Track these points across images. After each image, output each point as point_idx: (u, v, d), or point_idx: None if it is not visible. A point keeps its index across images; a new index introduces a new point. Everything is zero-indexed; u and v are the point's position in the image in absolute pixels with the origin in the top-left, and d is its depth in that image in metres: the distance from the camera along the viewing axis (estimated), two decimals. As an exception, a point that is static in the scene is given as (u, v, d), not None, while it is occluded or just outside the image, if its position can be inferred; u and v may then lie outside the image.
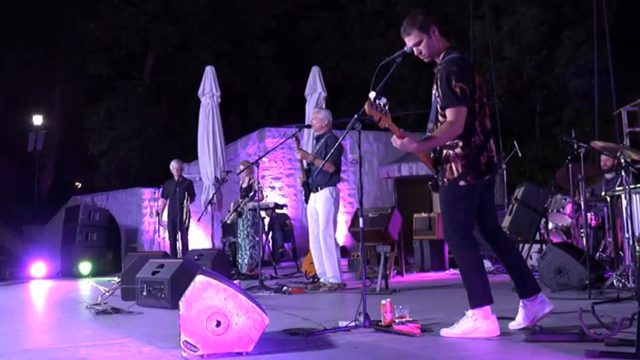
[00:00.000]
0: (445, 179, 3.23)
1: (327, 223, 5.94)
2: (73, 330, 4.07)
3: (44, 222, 15.46)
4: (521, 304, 3.26)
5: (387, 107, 3.13)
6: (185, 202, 8.93)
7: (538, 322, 3.23)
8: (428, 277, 7.54)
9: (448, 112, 3.15)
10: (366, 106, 3.10)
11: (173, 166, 9.17)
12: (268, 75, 21.07)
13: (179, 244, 8.89)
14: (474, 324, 3.15)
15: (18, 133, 19.64)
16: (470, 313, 3.18)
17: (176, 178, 9.11)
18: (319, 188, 6.01)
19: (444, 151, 3.24)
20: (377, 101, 3.11)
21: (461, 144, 3.18)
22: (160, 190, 9.60)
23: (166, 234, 9.39)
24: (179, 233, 8.88)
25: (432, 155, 3.32)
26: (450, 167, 3.21)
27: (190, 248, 8.83)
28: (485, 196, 3.34)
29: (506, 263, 3.36)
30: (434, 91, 3.29)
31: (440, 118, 3.24)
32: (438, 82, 3.20)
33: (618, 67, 10.13)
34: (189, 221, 8.98)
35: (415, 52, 3.34)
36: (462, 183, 3.19)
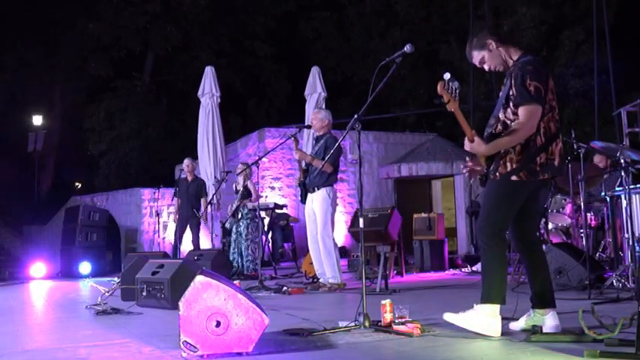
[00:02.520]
0: (497, 173, 3.21)
1: (325, 223, 5.94)
2: (73, 330, 4.07)
3: (44, 222, 15.47)
4: (530, 312, 3.26)
5: (457, 92, 3.12)
6: (199, 201, 8.91)
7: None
8: (428, 278, 7.54)
9: (521, 111, 3.13)
10: (438, 86, 3.10)
11: (186, 164, 9.08)
12: (268, 75, 21.08)
13: (180, 245, 8.87)
14: (478, 318, 3.15)
15: (18, 134, 19.64)
16: (478, 307, 3.18)
17: (189, 177, 9.03)
18: (316, 189, 6.02)
19: None
20: (450, 83, 3.11)
21: (521, 141, 3.17)
22: (173, 190, 9.52)
23: (166, 234, 9.37)
24: (190, 231, 8.83)
25: None
26: (505, 162, 3.19)
27: (189, 248, 8.83)
28: (533, 202, 3.32)
29: (531, 272, 3.32)
30: (504, 90, 3.27)
31: (511, 116, 3.21)
32: (513, 81, 3.19)
33: (618, 67, 10.13)
34: (200, 219, 8.96)
35: (486, 69, 3.41)
36: (513, 178, 3.17)
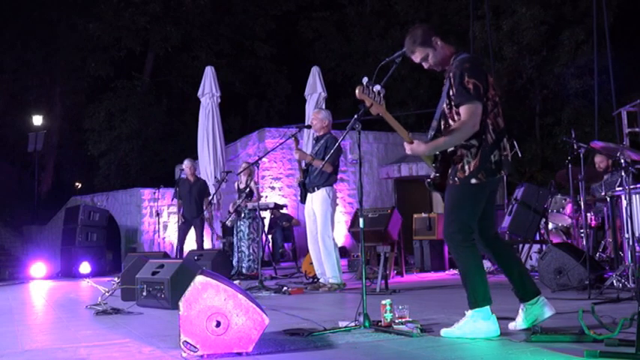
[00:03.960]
0: (456, 178, 3.20)
1: (324, 223, 5.94)
2: (73, 330, 4.07)
3: (44, 222, 15.47)
4: (521, 306, 3.25)
5: (381, 95, 3.11)
6: (202, 201, 8.89)
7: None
8: (428, 278, 7.54)
9: (462, 110, 3.11)
10: (356, 91, 3.09)
11: (188, 166, 8.94)
12: (268, 75, 21.09)
13: (183, 245, 8.86)
14: (474, 324, 3.15)
15: (18, 134, 19.66)
16: (469, 313, 3.18)
17: (191, 178, 8.93)
18: (316, 189, 6.02)
19: (458, 150, 3.20)
20: (370, 87, 3.09)
21: (473, 142, 3.15)
22: (173, 191, 9.42)
23: (166, 234, 9.35)
24: (194, 230, 8.81)
25: (437, 153, 3.26)
26: (462, 166, 3.18)
27: (190, 248, 8.82)
28: (490, 200, 3.32)
29: (505, 268, 3.32)
30: (444, 90, 3.25)
31: (455, 116, 3.19)
32: (452, 81, 3.17)
33: (618, 67, 10.14)
34: (204, 218, 8.94)
35: (425, 67, 3.34)
36: (473, 181, 3.15)
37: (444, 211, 3.35)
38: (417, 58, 3.31)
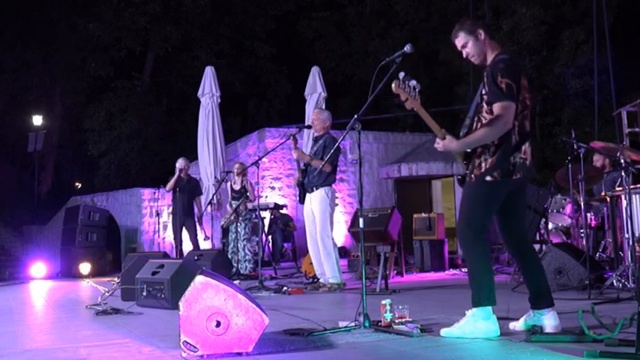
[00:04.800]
0: (473, 175, 3.22)
1: (323, 223, 5.95)
2: (73, 330, 4.07)
3: (44, 222, 15.46)
4: (530, 312, 3.26)
5: (417, 90, 3.12)
6: (192, 200, 8.91)
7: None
8: (428, 278, 7.54)
9: (495, 108, 3.13)
10: (393, 85, 3.11)
11: (184, 165, 8.90)
12: (268, 75, 21.08)
13: (181, 246, 8.86)
14: (475, 324, 3.14)
15: (18, 134, 19.65)
16: (470, 312, 3.18)
17: (184, 176, 8.92)
18: (315, 189, 6.03)
19: (478, 148, 3.22)
20: (406, 82, 3.10)
21: (496, 141, 3.16)
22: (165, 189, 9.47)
23: (165, 234, 9.35)
24: (187, 231, 8.83)
25: (468, 150, 3.28)
26: (479, 163, 3.20)
27: (190, 248, 8.82)
28: (516, 202, 3.31)
29: (526, 273, 3.32)
30: (479, 89, 3.29)
31: (486, 115, 3.21)
32: (485, 80, 3.21)
33: (618, 67, 10.14)
34: (196, 219, 8.96)
35: (464, 55, 3.38)
36: (488, 178, 3.16)
37: (459, 206, 3.37)
38: (459, 43, 3.36)
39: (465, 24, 3.36)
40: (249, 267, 8.34)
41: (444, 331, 3.23)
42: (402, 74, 3.12)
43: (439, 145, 3.23)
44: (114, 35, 18.61)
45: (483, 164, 3.19)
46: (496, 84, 3.12)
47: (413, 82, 3.13)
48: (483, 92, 3.23)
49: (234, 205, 8.52)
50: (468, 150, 3.26)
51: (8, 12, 18.31)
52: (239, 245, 8.44)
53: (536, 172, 3.30)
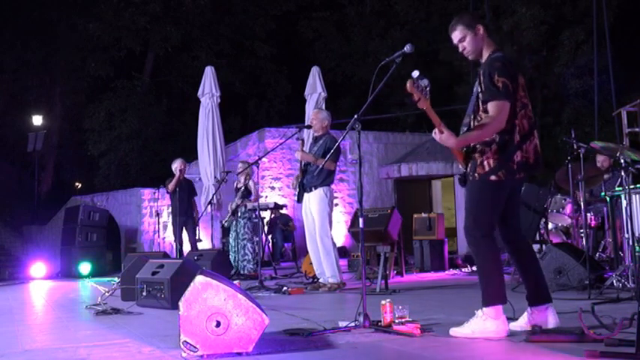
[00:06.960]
0: (476, 174, 3.22)
1: (322, 223, 5.95)
2: (73, 330, 4.07)
3: (44, 222, 15.46)
4: (528, 309, 3.26)
5: (428, 89, 3.12)
6: (190, 201, 8.92)
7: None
8: (428, 278, 7.54)
9: (490, 107, 3.14)
10: (407, 84, 3.10)
11: (181, 164, 8.83)
12: (268, 75, 21.07)
13: (182, 246, 8.85)
14: (484, 324, 3.14)
15: (18, 134, 19.64)
16: (480, 312, 3.17)
17: (181, 177, 8.86)
18: (313, 188, 6.03)
19: (479, 146, 3.22)
20: (419, 81, 3.10)
21: (497, 140, 3.17)
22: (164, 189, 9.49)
23: (166, 234, 9.34)
24: (187, 232, 8.83)
25: (463, 149, 3.29)
26: (482, 162, 3.20)
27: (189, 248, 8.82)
28: (512, 199, 3.32)
29: (522, 269, 3.33)
30: (475, 87, 3.29)
31: (481, 114, 3.22)
32: (481, 78, 3.21)
33: (618, 67, 10.14)
34: (195, 218, 8.96)
35: (460, 49, 3.37)
36: (492, 178, 3.16)
37: (464, 206, 3.37)
38: (456, 37, 3.35)
39: (464, 18, 3.35)
40: (249, 267, 8.34)
41: (453, 330, 3.23)
42: (415, 73, 3.10)
43: (437, 137, 3.23)
44: (114, 35, 18.61)
45: (486, 163, 3.19)
46: (492, 82, 3.13)
47: (425, 82, 3.12)
48: (479, 90, 3.23)
49: (234, 204, 8.53)
50: (470, 147, 3.26)
51: (8, 12, 18.30)
52: (239, 245, 8.44)
53: (542, 169, 3.30)
